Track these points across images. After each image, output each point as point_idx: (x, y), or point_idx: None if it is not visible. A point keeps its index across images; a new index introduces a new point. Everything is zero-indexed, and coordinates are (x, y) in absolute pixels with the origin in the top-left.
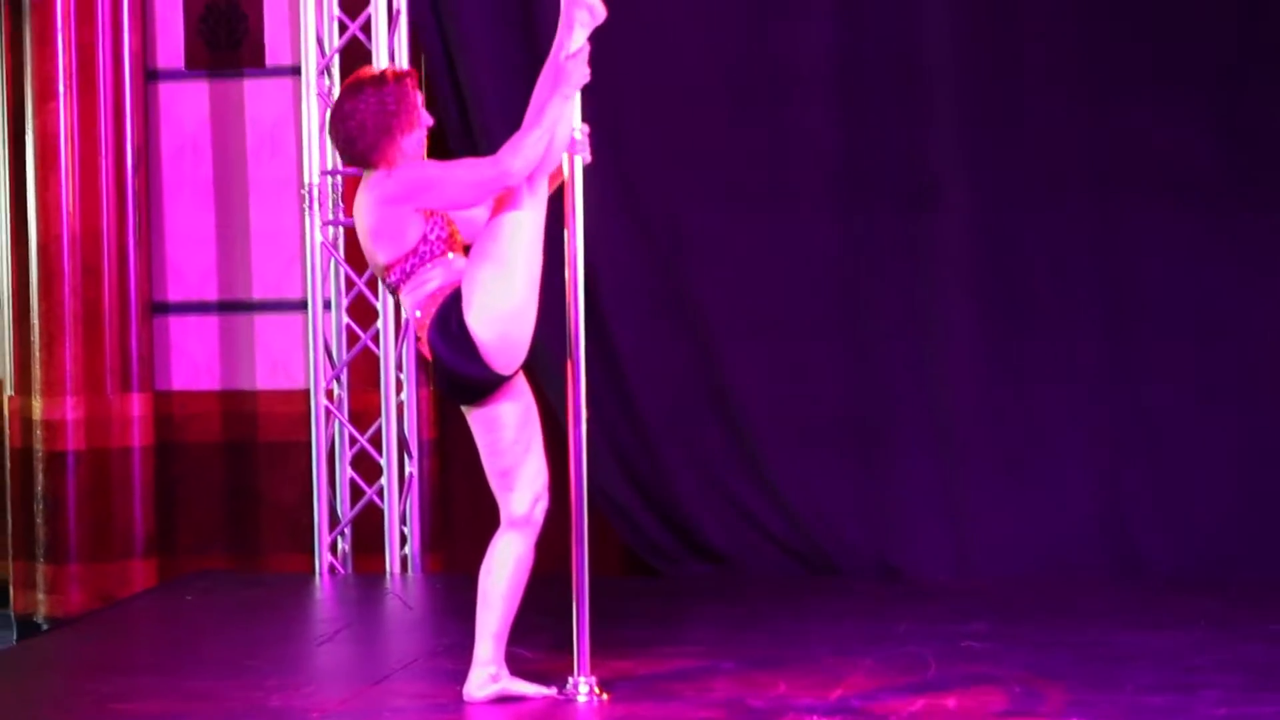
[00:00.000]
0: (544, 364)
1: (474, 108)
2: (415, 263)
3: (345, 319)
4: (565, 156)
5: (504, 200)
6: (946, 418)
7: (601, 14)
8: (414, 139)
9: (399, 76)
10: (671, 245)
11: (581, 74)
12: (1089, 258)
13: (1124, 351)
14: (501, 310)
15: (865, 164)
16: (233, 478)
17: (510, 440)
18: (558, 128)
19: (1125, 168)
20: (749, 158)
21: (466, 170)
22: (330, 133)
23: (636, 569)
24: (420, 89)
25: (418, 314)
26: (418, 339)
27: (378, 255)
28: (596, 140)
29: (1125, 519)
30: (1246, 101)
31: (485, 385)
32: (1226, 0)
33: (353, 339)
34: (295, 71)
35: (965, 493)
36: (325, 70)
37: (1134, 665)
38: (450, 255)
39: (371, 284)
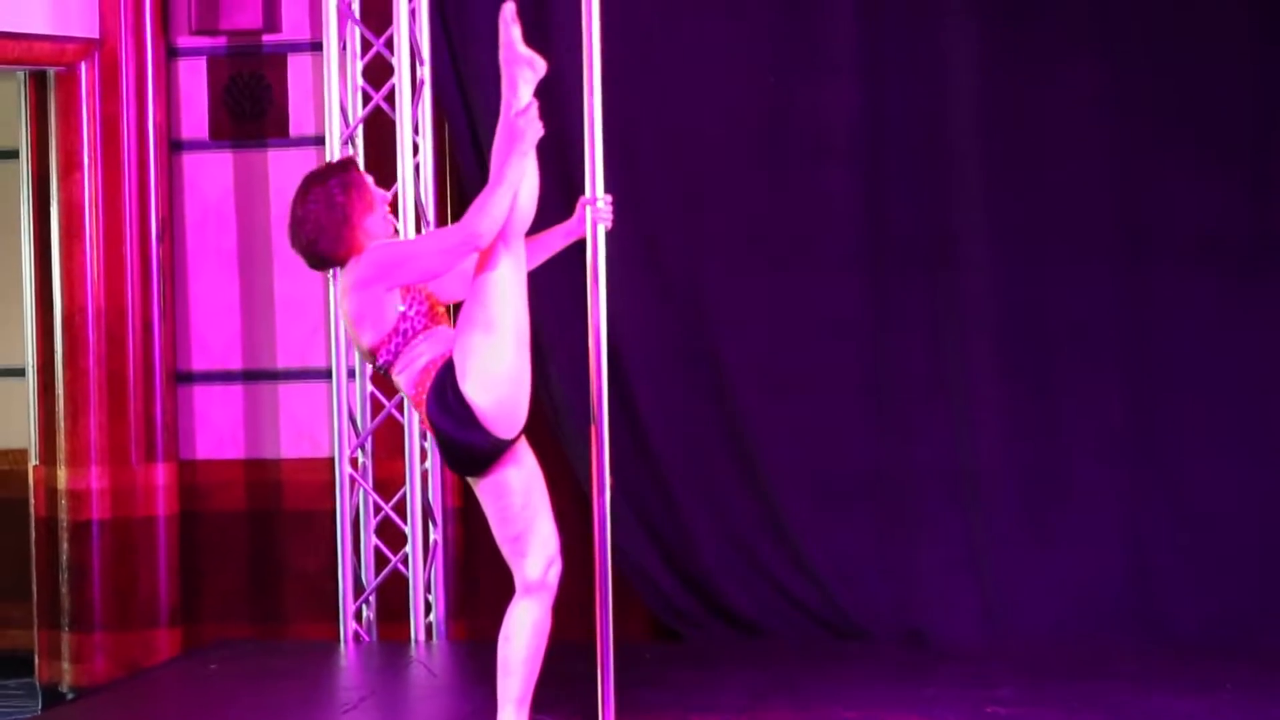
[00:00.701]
0: (567, 428)
1: None
2: (399, 341)
3: (369, 387)
4: (588, 223)
5: (482, 262)
6: (971, 478)
7: (542, 68)
8: (375, 219)
9: (343, 164)
10: (694, 307)
11: (535, 129)
12: (1114, 317)
13: (1150, 411)
14: (496, 374)
15: (890, 224)
16: (257, 546)
17: (519, 506)
18: (521, 184)
19: (1149, 228)
20: (772, 218)
21: (434, 240)
22: (293, 245)
23: (660, 634)
24: (374, 184)
25: (413, 391)
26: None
27: (361, 340)
28: (618, 200)
29: (1151, 578)
30: (1272, 162)
31: (489, 453)
32: (1254, 61)
33: (377, 407)
34: (319, 141)
35: (990, 553)
36: (349, 140)
37: None
38: (433, 328)
39: None
